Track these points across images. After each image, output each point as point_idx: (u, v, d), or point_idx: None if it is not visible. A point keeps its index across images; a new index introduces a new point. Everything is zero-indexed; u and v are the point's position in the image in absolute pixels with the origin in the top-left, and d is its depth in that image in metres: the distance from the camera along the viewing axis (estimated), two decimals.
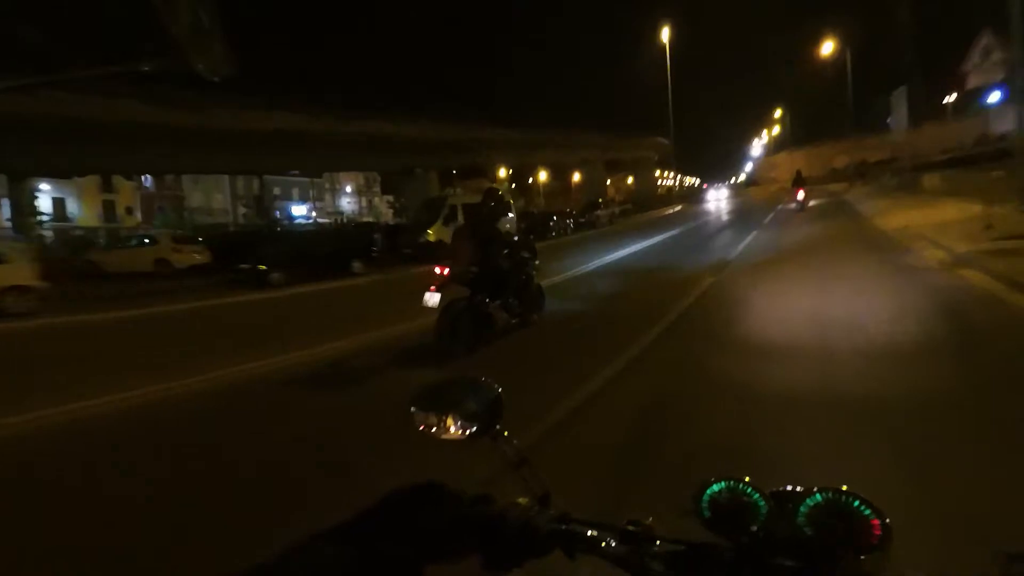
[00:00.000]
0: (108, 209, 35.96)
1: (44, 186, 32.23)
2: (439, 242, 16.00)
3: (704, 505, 0.48)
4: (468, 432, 0.60)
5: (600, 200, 29.11)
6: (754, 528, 0.45)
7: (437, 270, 5.05)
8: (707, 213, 26.52)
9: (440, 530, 0.48)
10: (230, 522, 2.22)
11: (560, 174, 56.71)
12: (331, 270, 12.43)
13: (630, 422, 3.03)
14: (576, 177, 56.32)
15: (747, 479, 0.49)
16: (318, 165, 33.93)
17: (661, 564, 0.45)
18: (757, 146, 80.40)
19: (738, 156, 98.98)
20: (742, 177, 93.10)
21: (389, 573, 0.44)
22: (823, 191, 31.11)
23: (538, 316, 5.74)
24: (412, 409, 0.63)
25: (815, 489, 0.46)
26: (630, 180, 59.60)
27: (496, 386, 0.62)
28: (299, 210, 50.41)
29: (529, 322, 5.57)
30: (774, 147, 70.90)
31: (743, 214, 22.96)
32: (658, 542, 0.47)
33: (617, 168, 58.95)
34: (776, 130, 66.40)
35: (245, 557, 0.43)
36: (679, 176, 75.48)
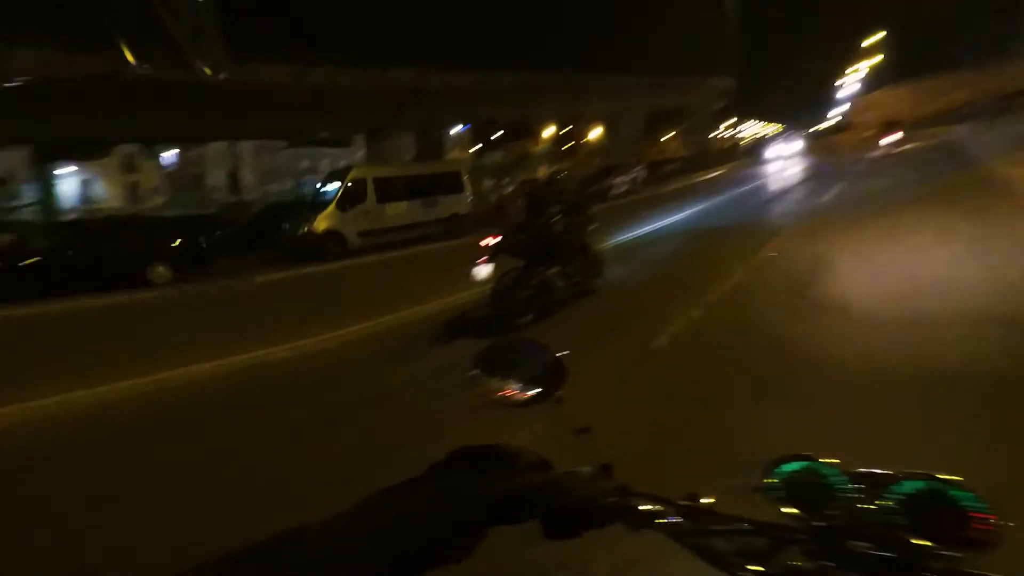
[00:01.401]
0: (132, 190, 35.81)
1: (68, 168, 32.34)
2: (328, 232, 11.47)
3: (777, 483, 0.45)
4: (529, 396, 0.59)
5: (628, 162, 23.61)
6: (835, 512, 0.42)
7: (485, 240, 4.78)
8: (757, 178, 20.61)
9: (502, 494, 0.48)
10: None
11: (608, 128, 50.03)
12: (102, 278, 8.70)
13: None
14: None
15: (831, 459, 0.45)
16: (348, 126, 30.34)
17: (727, 544, 0.42)
18: (851, 83, 67.25)
19: (827, 97, 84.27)
20: (832, 121, 79.74)
21: (454, 532, 0.45)
22: (932, 138, 23.32)
23: (599, 283, 5.44)
24: (474, 372, 0.63)
25: (912, 473, 0.41)
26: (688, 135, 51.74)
27: (557, 350, 0.61)
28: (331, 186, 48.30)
29: (590, 290, 5.27)
30: (872, 83, 58.58)
31: (804, 180, 17.35)
32: (724, 520, 0.44)
33: (670, 119, 51.25)
34: (875, 60, 54.32)
35: None
36: (748, 125, 65.42)
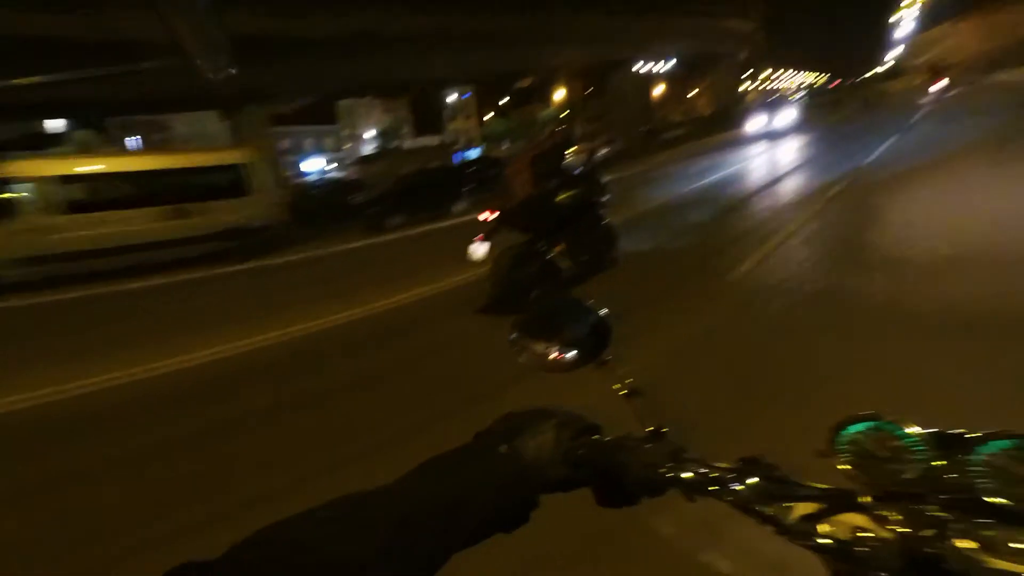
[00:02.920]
0: None
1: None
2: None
3: (843, 446, 0.42)
4: (573, 359, 0.57)
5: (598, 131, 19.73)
6: (909, 476, 0.38)
7: (485, 215, 4.43)
8: (773, 142, 16.83)
9: (553, 460, 0.48)
10: None
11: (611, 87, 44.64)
12: None
13: None
14: (660, 90, 44.06)
15: (902, 419, 0.41)
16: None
17: (791, 513, 0.40)
18: (909, 18, 58.60)
19: (880, 37, 75.05)
20: (885, 67, 70.71)
21: (506, 500, 0.45)
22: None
23: (613, 259, 5.00)
24: (513, 336, 0.60)
25: (997, 432, 0.37)
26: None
27: (603, 310, 0.59)
28: (314, 164, 44.83)
29: (602, 267, 4.85)
30: (932, 16, 50.54)
31: (812, 155, 13.84)
32: (786, 486, 0.42)
33: (685, 72, 45.37)
34: None
35: None
36: (779, 76, 58.45)
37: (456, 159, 42.11)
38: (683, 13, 31.99)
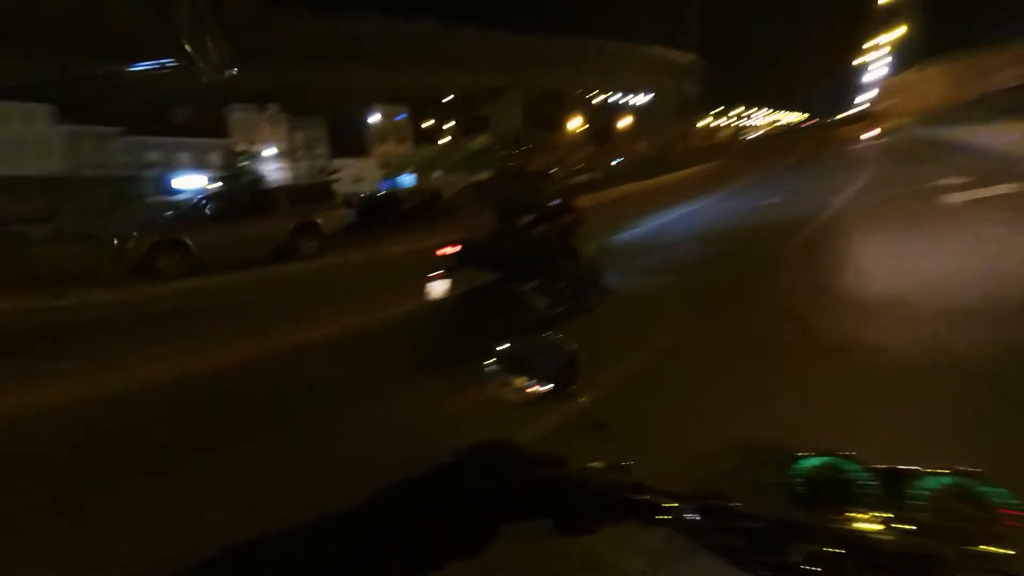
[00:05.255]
0: None
1: None
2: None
3: (798, 480, 0.47)
4: (544, 392, 0.62)
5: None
6: (857, 508, 0.44)
7: (444, 249, 4.14)
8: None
9: (514, 490, 0.50)
10: None
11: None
12: None
13: None
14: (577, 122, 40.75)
15: (852, 453, 0.46)
16: None
17: (743, 539, 0.42)
18: (875, 62, 57.21)
19: (854, 79, 73.76)
20: (856, 110, 69.67)
21: (466, 530, 0.46)
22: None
23: (597, 297, 4.63)
24: (488, 369, 0.64)
25: (936, 470, 0.43)
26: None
27: (572, 346, 0.64)
28: (189, 181, 37.93)
29: (585, 307, 4.47)
30: (900, 61, 48.86)
31: None
32: (740, 516, 0.45)
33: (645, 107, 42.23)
34: (901, 31, 44.62)
35: None
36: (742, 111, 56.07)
37: (385, 187, 37.54)
38: (623, 38, 28.82)
